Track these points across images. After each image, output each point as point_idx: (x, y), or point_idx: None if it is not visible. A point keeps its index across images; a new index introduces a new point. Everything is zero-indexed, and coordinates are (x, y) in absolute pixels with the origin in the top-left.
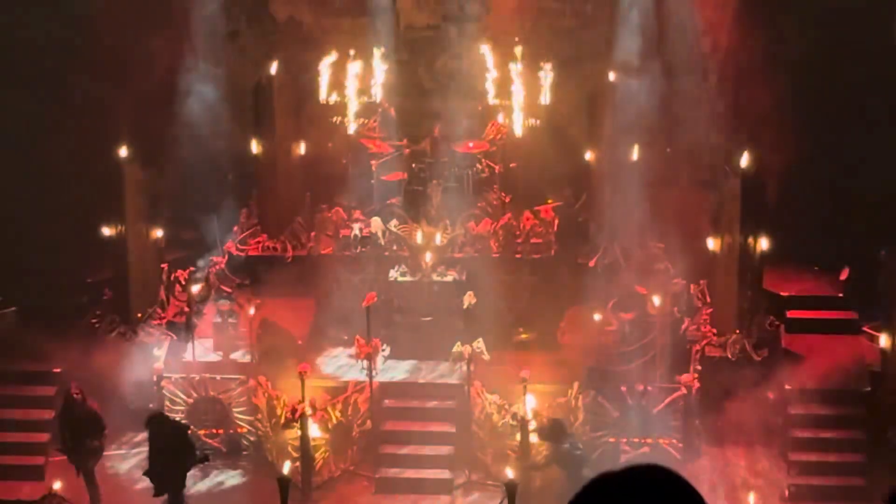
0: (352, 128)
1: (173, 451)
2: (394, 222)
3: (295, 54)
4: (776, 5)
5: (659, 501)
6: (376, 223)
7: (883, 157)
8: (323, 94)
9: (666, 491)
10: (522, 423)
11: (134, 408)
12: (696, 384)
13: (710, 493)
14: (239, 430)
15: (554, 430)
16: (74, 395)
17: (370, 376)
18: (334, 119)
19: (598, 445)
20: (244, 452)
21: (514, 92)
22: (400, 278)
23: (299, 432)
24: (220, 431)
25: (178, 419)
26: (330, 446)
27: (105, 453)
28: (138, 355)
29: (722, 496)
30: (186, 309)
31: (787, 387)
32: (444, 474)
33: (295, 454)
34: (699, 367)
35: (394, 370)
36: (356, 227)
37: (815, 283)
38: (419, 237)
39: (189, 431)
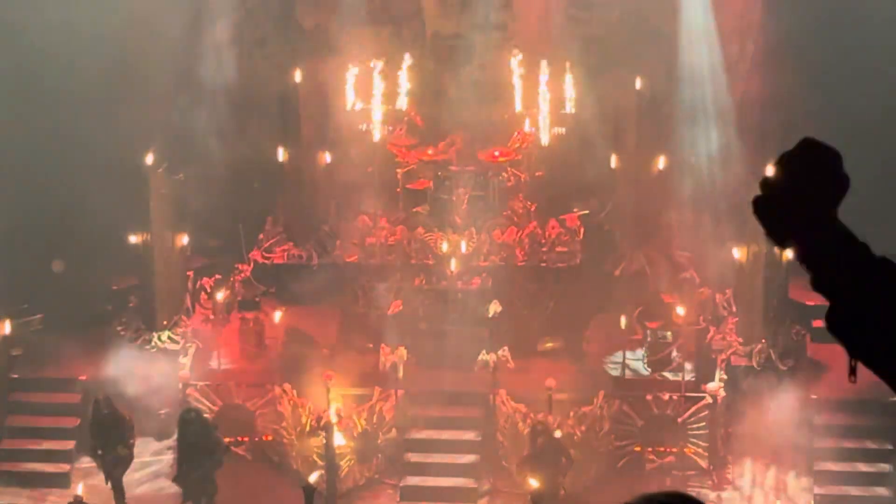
0: (377, 136)
1: (200, 449)
2: (419, 230)
3: (321, 62)
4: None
5: None
6: (402, 232)
7: None
8: (349, 102)
9: None
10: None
11: (162, 415)
12: (722, 393)
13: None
14: (265, 437)
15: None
16: (103, 403)
17: (396, 384)
18: (360, 127)
19: (623, 454)
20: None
21: (540, 101)
22: (425, 287)
23: (324, 440)
24: (246, 439)
25: (207, 418)
26: (355, 454)
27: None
28: (163, 363)
29: None
30: (211, 316)
31: (812, 396)
32: (469, 483)
33: (320, 462)
34: (725, 376)
35: (419, 378)
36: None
37: None
38: (444, 245)
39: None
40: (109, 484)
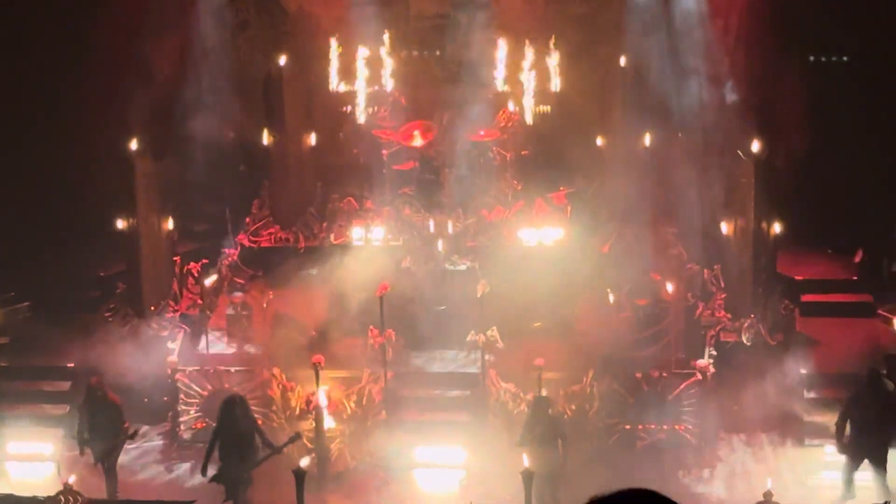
0: (362, 117)
1: (239, 440)
2: (406, 211)
3: (305, 44)
4: None
5: None
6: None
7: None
8: (333, 84)
9: None
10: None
11: (149, 401)
12: (711, 369)
13: (727, 479)
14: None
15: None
16: (96, 388)
17: (384, 366)
18: (345, 109)
19: (613, 432)
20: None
21: (524, 79)
22: (413, 267)
23: (314, 424)
24: None
25: (250, 409)
26: (345, 437)
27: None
28: (152, 348)
29: (738, 482)
30: (199, 301)
31: (802, 371)
32: (460, 463)
33: (310, 445)
34: (714, 353)
35: (408, 360)
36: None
37: (829, 266)
38: (431, 226)
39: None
40: (100, 467)
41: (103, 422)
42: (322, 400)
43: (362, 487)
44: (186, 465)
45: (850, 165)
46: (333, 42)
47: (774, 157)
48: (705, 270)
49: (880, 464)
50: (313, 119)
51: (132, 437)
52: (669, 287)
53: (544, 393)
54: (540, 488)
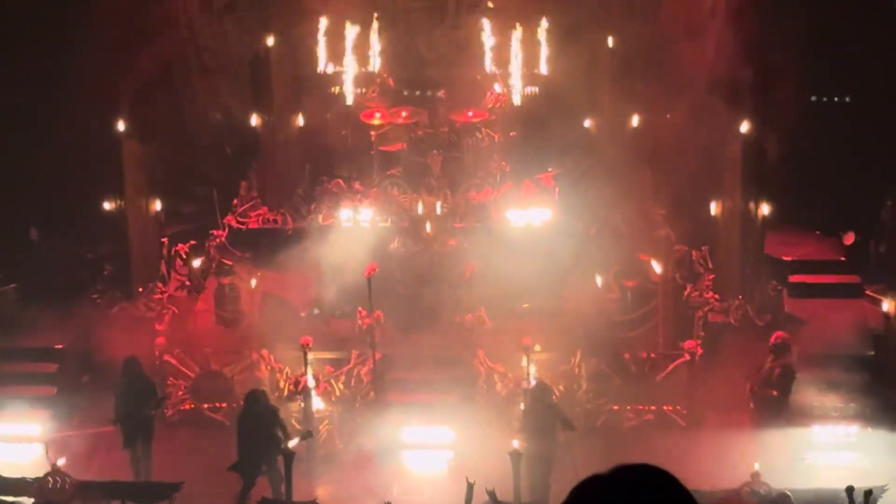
0: (350, 98)
1: (259, 434)
2: (394, 192)
3: (292, 25)
4: None
5: (650, 501)
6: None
7: (881, 122)
8: (321, 65)
9: (656, 490)
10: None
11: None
12: (700, 350)
13: (715, 460)
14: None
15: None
16: (133, 364)
17: (373, 347)
18: (333, 89)
19: (601, 413)
20: None
21: (512, 61)
22: (401, 249)
23: (302, 405)
24: (224, 405)
25: (270, 401)
26: (334, 419)
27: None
28: (140, 330)
29: (726, 463)
30: (187, 283)
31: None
32: (448, 444)
33: (299, 427)
34: (702, 334)
35: (396, 341)
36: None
37: (817, 247)
38: (420, 207)
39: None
40: (128, 452)
41: (140, 400)
42: (310, 381)
43: (351, 468)
44: (174, 447)
45: (839, 146)
46: (322, 23)
47: (763, 138)
48: (693, 251)
49: None
50: (301, 100)
51: (159, 405)
52: (657, 268)
53: (533, 371)
54: (532, 469)
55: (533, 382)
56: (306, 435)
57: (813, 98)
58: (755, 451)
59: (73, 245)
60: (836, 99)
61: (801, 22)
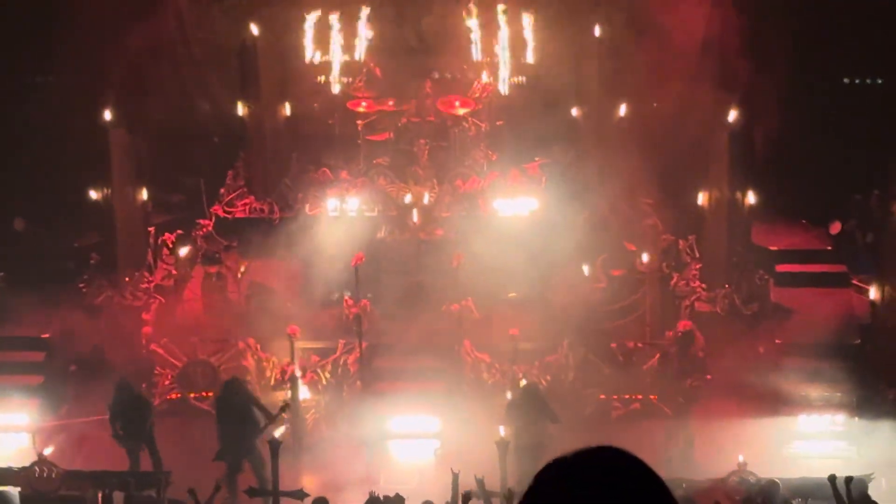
0: (337, 88)
1: (240, 420)
2: (381, 182)
3: (279, 14)
4: None
5: (614, 483)
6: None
7: (868, 109)
8: (308, 54)
9: (621, 471)
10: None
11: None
12: (700, 336)
13: (701, 449)
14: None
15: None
16: (124, 385)
17: (359, 337)
18: (319, 79)
19: (588, 402)
20: None
21: (499, 50)
22: (388, 238)
23: (289, 394)
24: (210, 394)
25: (248, 387)
26: (321, 408)
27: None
28: (126, 319)
29: (712, 451)
30: (174, 272)
31: (776, 341)
32: (435, 433)
33: (286, 416)
34: (689, 322)
35: (383, 330)
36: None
37: (803, 237)
38: (407, 196)
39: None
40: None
41: (133, 418)
42: (297, 370)
43: (338, 457)
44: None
45: (825, 136)
46: (309, 12)
47: (750, 128)
48: (680, 241)
49: None
50: (288, 89)
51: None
52: (644, 257)
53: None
54: (521, 458)
55: (524, 382)
56: (284, 407)
57: (800, 86)
58: (741, 440)
59: (60, 234)
60: (826, 86)
61: (788, 9)
